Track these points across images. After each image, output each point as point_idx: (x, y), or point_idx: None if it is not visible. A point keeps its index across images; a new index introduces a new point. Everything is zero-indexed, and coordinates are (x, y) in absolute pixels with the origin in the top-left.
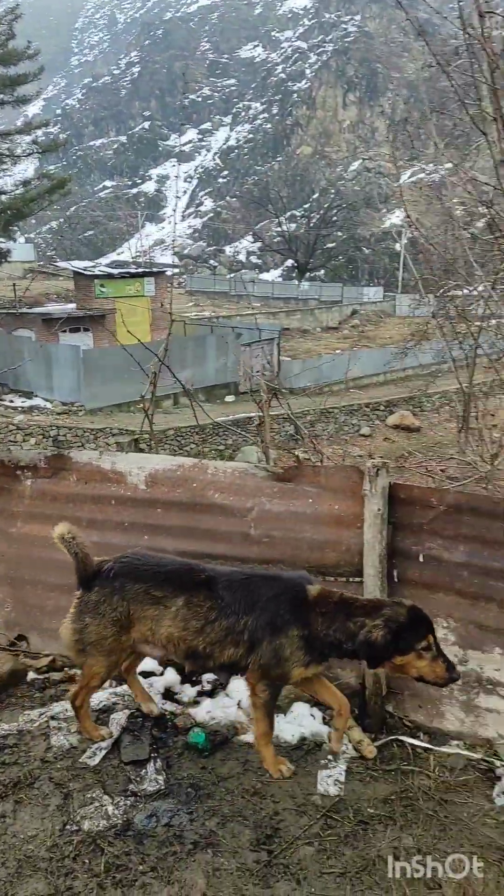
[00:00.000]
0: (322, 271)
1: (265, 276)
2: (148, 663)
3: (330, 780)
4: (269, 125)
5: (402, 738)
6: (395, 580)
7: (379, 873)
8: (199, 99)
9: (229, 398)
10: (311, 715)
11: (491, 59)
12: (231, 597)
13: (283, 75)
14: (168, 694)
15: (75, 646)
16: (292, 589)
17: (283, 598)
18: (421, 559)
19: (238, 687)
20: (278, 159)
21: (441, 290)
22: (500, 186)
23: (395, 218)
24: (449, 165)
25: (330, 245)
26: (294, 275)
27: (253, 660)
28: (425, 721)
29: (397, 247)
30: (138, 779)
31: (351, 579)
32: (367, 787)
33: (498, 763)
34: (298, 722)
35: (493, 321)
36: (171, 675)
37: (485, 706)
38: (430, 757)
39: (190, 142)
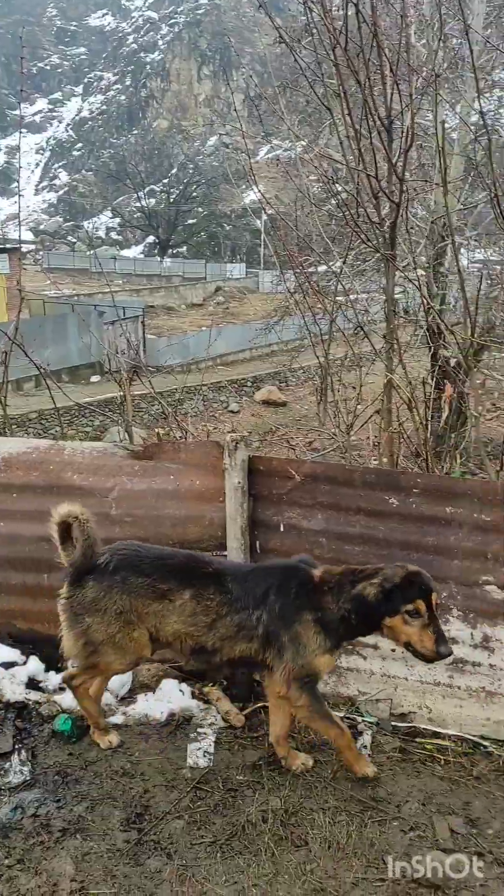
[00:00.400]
0: (184, 248)
1: (126, 252)
2: (5, 652)
3: (199, 753)
4: (122, 97)
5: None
6: (258, 551)
7: (248, 838)
8: (48, 68)
9: (94, 378)
10: (180, 691)
11: (332, 36)
12: (241, 590)
13: (134, 46)
14: (32, 683)
15: (84, 650)
16: (295, 572)
17: (290, 582)
18: (281, 528)
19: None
20: (134, 132)
21: (300, 267)
22: (348, 163)
23: (255, 194)
24: (303, 143)
25: (191, 221)
26: (156, 251)
27: (272, 658)
28: None
29: (258, 223)
30: (2, 772)
31: (215, 553)
32: (235, 755)
33: (360, 719)
34: (167, 698)
35: (353, 297)
36: (35, 664)
37: (346, 666)
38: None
39: (40, 112)
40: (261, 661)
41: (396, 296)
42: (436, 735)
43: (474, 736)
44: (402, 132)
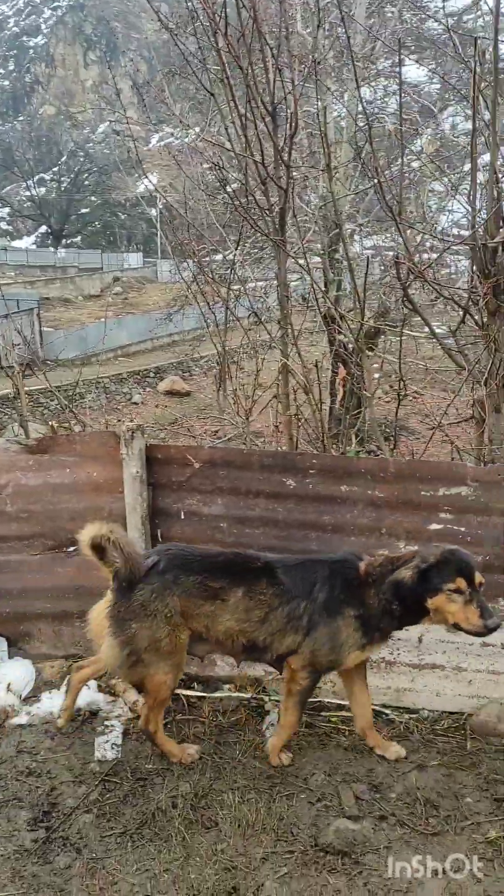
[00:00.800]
0: (79, 238)
1: (18, 243)
2: None
3: (107, 746)
4: (6, 82)
5: (176, 691)
6: (160, 539)
7: (158, 825)
8: None
9: None
10: (87, 685)
11: (213, 22)
12: (292, 582)
13: (16, 29)
14: None
15: (127, 660)
16: (342, 565)
17: (337, 576)
18: (182, 516)
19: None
20: (20, 119)
21: (197, 256)
22: (234, 150)
23: (149, 182)
24: (195, 130)
25: (84, 210)
26: (49, 242)
27: (305, 646)
28: (199, 671)
29: (153, 212)
30: None
31: None
32: (144, 744)
33: (267, 699)
34: None
35: (251, 285)
36: None
37: None
38: (203, 704)
39: None
40: (296, 651)
41: (294, 283)
42: (340, 707)
43: (376, 705)
44: (287, 119)
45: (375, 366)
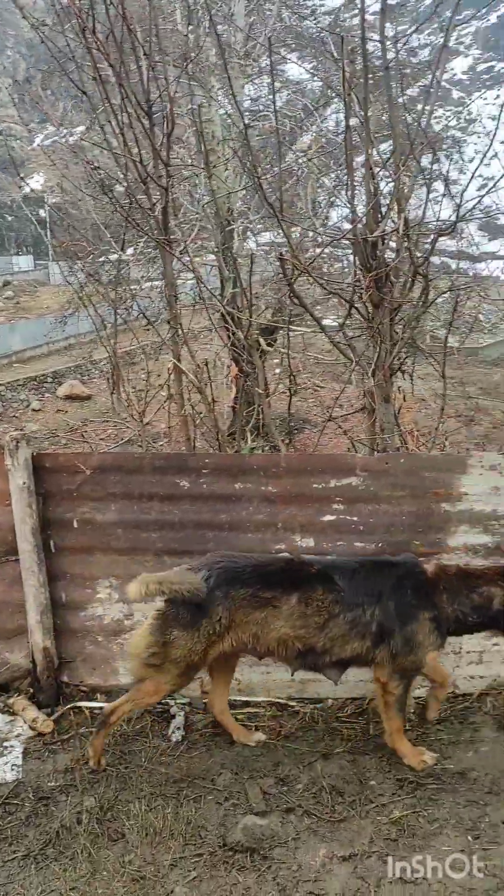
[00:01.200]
0: None
1: None
2: None
3: (7, 767)
4: None
5: (78, 704)
6: (52, 550)
7: (63, 843)
8: None
9: None
10: None
11: (80, 19)
12: (352, 587)
13: None
14: None
15: (149, 659)
16: (412, 570)
17: (407, 581)
18: (75, 525)
19: None
20: None
21: (85, 258)
22: (112, 150)
23: (35, 183)
24: (78, 129)
25: None
26: None
27: (382, 654)
28: (101, 682)
29: (42, 213)
30: None
31: (7, 558)
32: (46, 762)
33: (172, 702)
34: None
35: (146, 285)
36: None
37: None
38: None
39: None
40: (370, 659)
41: (190, 280)
42: (246, 704)
43: (282, 698)
44: (164, 118)
45: (276, 361)
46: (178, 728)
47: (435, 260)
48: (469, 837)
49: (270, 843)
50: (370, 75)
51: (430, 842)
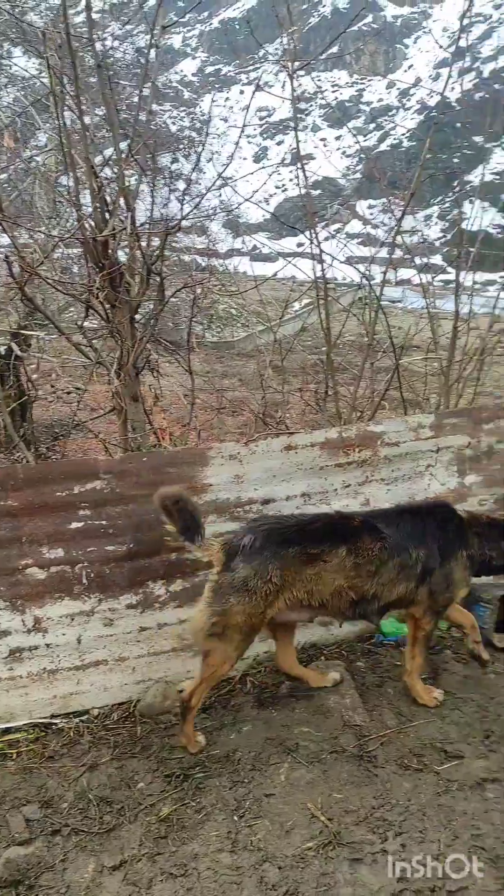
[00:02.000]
0: None
1: None
2: None
3: None
4: None
5: None
6: None
7: None
8: None
9: None
10: None
11: None
12: (397, 533)
13: None
14: None
15: (211, 629)
16: (452, 514)
17: (449, 524)
18: None
19: None
20: None
21: None
22: None
23: None
24: None
25: None
26: None
27: (423, 593)
28: None
29: None
30: None
31: None
32: None
33: None
34: None
35: None
36: None
37: None
38: None
39: None
40: (412, 599)
41: None
42: (6, 731)
43: (45, 718)
44: None
45: (32, 366)
46: None
47: (185, 258)
48: (235, 818)
49: (36, 871)
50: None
51: (199, 831)
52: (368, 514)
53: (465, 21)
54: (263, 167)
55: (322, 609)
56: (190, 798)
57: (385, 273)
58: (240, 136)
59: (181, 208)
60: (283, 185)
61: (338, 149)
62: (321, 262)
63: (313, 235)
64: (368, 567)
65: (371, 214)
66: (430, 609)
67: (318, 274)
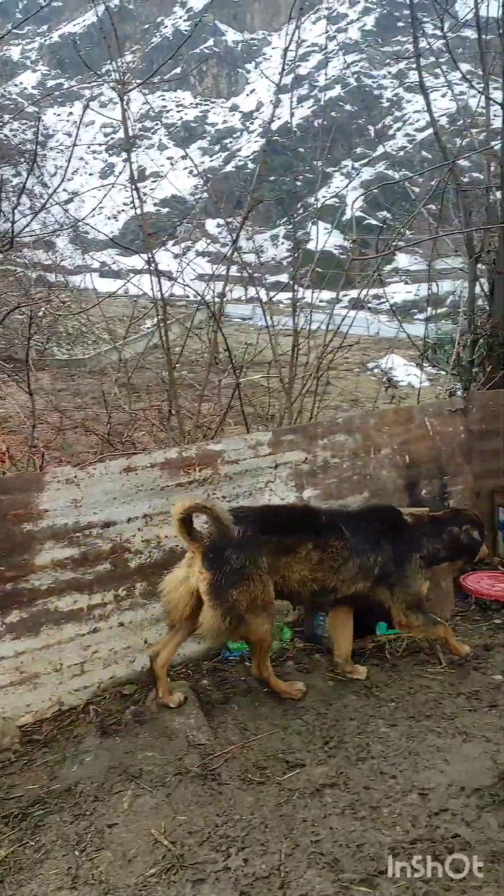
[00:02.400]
0: None
1: None
2: None
3: None
4: None
5: None
6: None
7: None
8: None
9: None
10: None
11: None
12: (354, 535)
13: None
14: None
15: (230, 624)
16: (399, 520)
17: (399, 530)
18: None
19: None
20: None
21: None
22: None
23: None
24: None
25: None
26: None
27: (380, 593)
28: None
29: None
30: None
31: None
32: None
33: None
34: None
35: None
36: None
37: None
38: None
39: None
40: (371, 596)
41: None
42: None
43: None
44: None
45: None
46: None
47: (31, 274)
48: (76, 852)
49: None
50: None
51: (37, 871)
52: (332, 513)
53: (291, 54)
54: (109, 184)
55: (289, 596)
56: (28, 837)
57: (223, 292)
58: (70, 154)
59: (12, 225)
60: (132, 202)
61: (185, 168)
62: (159, 281)
63: (151, 256)
64: (332, 563)
65: (220, 233)
66: (406, 606)
67: (158, 294)
